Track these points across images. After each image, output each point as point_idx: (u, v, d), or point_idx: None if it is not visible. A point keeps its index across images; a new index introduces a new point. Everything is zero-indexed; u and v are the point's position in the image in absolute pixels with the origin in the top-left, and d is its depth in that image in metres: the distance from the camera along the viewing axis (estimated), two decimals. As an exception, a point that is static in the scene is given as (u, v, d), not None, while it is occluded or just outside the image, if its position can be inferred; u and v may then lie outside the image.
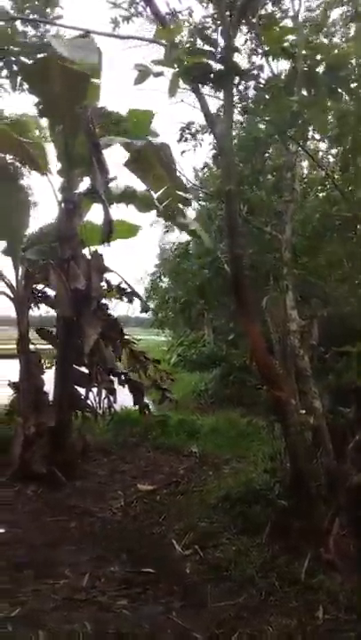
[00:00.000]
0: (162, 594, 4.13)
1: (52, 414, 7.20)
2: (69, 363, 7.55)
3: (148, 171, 7.43)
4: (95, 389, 8.03)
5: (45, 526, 5.46)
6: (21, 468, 6.82)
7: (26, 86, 6.85)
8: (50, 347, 7.91)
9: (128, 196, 8.23)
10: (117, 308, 8.75)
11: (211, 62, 3.49)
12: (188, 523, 5.30)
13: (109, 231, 6.78)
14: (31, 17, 6.67)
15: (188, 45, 3.66)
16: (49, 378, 7.63)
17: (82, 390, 7.94)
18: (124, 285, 8.33)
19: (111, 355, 8.07)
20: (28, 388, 7.44)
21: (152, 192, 7.79)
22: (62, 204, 7.59)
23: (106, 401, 8.46)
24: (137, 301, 8.76)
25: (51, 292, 7.70)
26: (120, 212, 8.61)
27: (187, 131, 8.22)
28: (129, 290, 8.52)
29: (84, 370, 7.81)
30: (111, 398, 8.54)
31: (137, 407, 8.38)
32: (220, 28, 4.49)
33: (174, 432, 9.07)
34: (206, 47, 3.49)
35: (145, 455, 8.17)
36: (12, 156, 7.65)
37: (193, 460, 7.86)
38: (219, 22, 4.80)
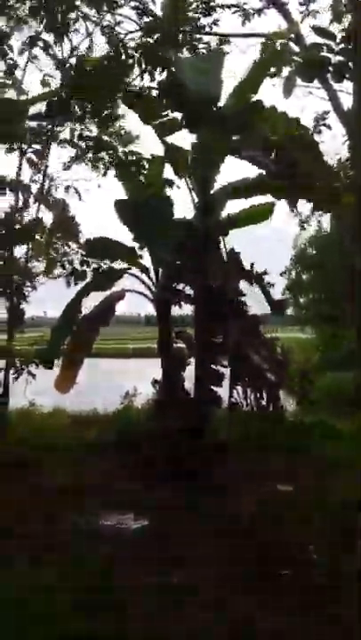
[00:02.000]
0: (295, 596, 4.12)
1: (192, 412, 7.46)
2: (208, 361, 7.78)
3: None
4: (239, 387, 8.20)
5: (183, 522, 5.67)
6: (161, 464, 7.16)
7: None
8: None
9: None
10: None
11: (328, 55, 3.42)
12: (321, 526, 5.22)
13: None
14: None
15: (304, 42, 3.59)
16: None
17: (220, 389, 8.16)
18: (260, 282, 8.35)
19: (251, 353, 8.16)
20: (170, 386, 7.80)
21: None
22: (199, 204, 7.86)
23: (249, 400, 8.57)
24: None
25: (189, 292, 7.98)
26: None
27: (321, 121, 7.85)
28: (265, 287, 8.53)
29: (223, 369, 8.01)
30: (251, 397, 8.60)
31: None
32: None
33: (312, 434, 8.88)
34: (323, 40, 3.42)
35: (281, 456, 8.11)
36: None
37: (329, 464, 7.65)
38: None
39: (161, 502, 6.23)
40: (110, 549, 4.97)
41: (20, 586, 4.17)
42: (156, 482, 6.85)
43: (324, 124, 8.13)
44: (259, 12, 7.20)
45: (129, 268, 8.16)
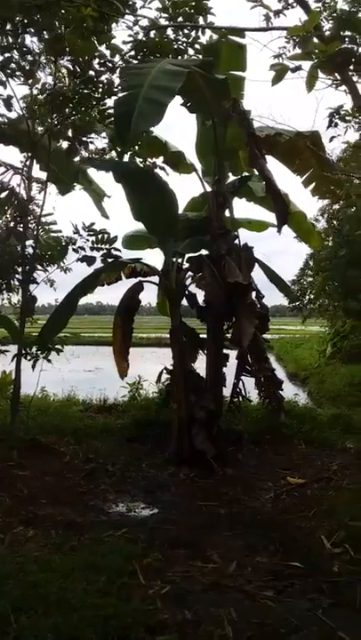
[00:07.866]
0: (309, 589, 4.04)
1: (206, 402, 7.38)
2: (220, 352, 7.72)
3: (294, 157, 7.92)
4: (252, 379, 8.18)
5: (196, 510, 5.65)
6: (175, 452, 7.14)
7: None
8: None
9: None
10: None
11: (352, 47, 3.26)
12: (339, 520, 5.11)
13: (283, 219, 7.16)
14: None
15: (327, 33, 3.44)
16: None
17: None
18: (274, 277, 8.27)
19: (263, 345, 8.14)
20: (182, 376, 7.72)
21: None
22: (214, 199, 7.75)
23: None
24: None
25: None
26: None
27: (336, 115, 7.73)
28: (279, 281, 8.45)
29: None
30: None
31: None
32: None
33: (328, 426, 8.76)
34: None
35: (296, 448, 8.01)
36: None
37: (347, 457, 7.55)
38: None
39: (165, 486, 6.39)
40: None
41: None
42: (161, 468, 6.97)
43: (341, 118, 7.94)
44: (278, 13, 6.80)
45: (139, 258, 8.06)
